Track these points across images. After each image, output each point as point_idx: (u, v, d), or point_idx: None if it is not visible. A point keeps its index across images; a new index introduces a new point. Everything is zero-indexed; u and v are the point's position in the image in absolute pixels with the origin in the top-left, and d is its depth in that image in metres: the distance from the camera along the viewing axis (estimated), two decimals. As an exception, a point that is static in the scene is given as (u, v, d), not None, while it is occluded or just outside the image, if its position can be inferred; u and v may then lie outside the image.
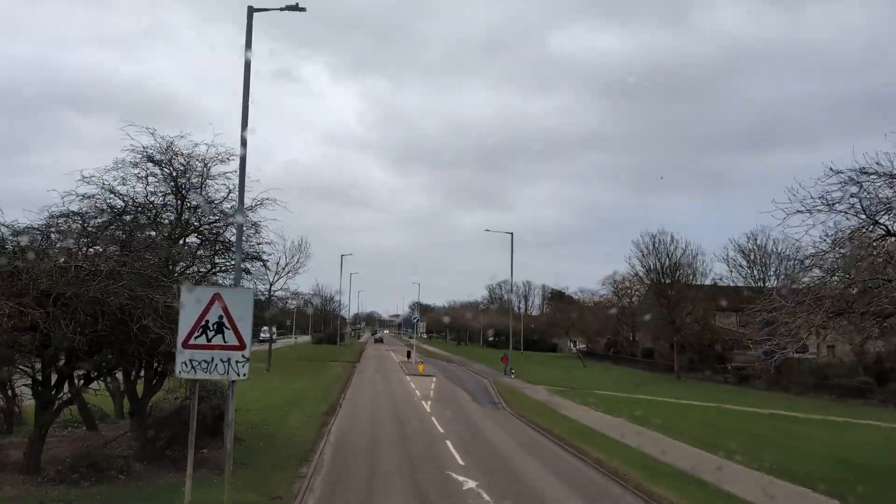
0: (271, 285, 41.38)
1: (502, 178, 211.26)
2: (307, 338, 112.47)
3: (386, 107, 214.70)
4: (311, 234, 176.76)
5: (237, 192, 14.00)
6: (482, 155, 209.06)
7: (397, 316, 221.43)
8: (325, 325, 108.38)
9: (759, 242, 45.68)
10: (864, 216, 14.62)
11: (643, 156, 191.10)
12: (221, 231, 17.22)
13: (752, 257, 46.06)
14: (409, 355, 59.80)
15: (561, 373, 49.74)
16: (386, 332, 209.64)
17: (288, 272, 42.06)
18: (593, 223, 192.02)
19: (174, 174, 16.44)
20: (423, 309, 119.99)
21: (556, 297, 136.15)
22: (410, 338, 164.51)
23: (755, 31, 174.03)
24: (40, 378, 12.63)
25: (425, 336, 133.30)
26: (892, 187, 14.28)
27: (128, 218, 15.72)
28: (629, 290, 69.30)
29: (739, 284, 48.81)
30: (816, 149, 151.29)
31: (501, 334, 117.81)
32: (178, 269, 16.34)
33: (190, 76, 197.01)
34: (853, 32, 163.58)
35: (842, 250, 15.18)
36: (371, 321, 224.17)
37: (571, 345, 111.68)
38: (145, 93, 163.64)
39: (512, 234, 50.21)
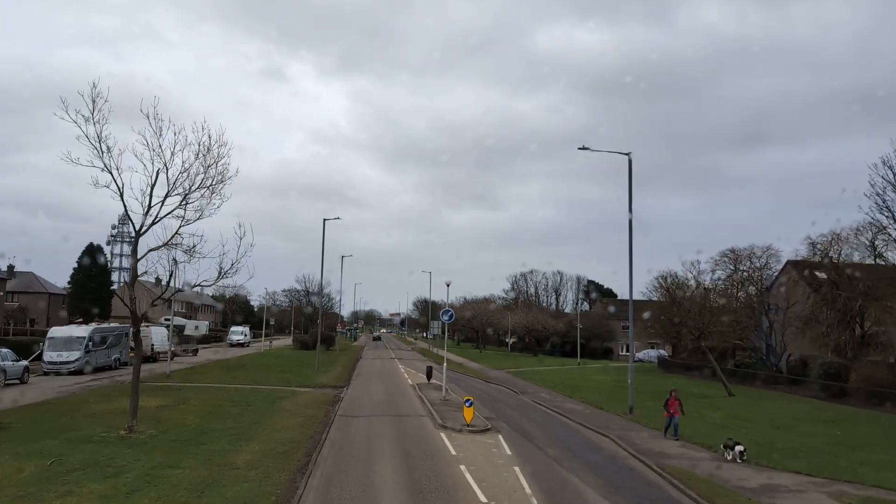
0: (139, 230, 18.01)
1: (496, 176, 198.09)
2: (289, 340, 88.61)
3: (376, 106, 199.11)
4: (305, 233, 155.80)
5: None
6: (474, 153, 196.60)
7: (398, 314, 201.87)
8: (309, 322, 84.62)
9: None
10: None
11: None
12: None
13: None
14: (429, 375, 36.48)
15: (725, 417, 26.45)
16: (383, 331, 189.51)
17: (184, 203, 18.17)
18: (589, 222, 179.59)
19: None
20: (429, 306, 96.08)
21: (600, 292, 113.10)
22: (415, 339, 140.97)
23: (740, 29, 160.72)
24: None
25: (430, 336, 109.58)
26: None
27: None
28: (760, 272, 45.94)
29: None
30: (803, 147, 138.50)
31: (536, 335, 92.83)
32: None
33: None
34: (836, 29, 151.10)
35: None
36: (371, 319, 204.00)
37: (622, 349, 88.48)
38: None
39: (629, 154, 26.99)
